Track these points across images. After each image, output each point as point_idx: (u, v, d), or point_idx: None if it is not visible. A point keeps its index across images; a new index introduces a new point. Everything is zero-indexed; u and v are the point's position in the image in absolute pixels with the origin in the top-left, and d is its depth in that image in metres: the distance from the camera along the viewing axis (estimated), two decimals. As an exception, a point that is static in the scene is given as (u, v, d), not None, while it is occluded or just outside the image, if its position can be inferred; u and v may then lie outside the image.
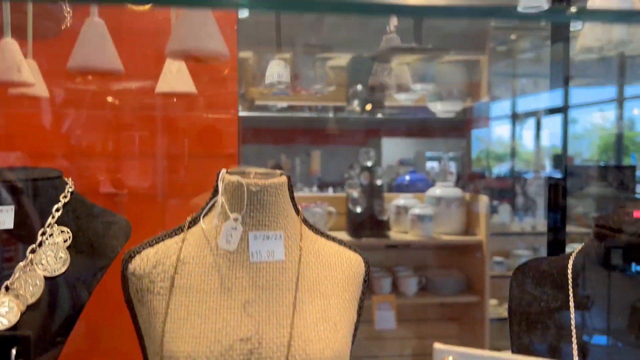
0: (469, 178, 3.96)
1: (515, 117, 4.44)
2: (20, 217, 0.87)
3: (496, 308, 2.99)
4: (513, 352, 0.87)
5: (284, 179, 0.75)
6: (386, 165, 4.10)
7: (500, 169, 4.58)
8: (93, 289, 0.86)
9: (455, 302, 2.90)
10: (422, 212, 3.04)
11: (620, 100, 3.97)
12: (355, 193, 3.14)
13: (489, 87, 3.21)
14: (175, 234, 0.75)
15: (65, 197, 0.91)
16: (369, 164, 3.21)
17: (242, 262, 0.71)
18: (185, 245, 0.72)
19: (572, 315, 0.77)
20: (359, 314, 0.76)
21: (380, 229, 3.05)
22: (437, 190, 3.12)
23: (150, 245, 0.74)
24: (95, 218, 0.92)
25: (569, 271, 0.80)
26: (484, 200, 3.14)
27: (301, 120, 3.48)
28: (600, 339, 0.78)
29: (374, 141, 3.76)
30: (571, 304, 0.78)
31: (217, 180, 0.73)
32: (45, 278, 0.84)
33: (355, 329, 0.76)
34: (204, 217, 0.75)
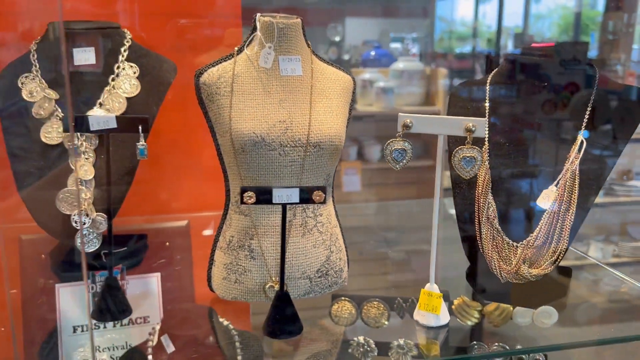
0: (431, 57, 4.34)
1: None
2: (98, 55, 1.25)
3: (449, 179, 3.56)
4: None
5: (299, 20, 1.16)
6: (350, 46, 4.39)
7: (462, 49, 4.91)
8: (159, 106, 1.28)
9: (413, 166, 3.41)
10: (386, 85, 3.48)
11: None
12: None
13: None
14: (228, 59, 1.16)
15: (127, 42, 1.30)
16: (337, 39, 3.57)
17: (275, 75, 1.14)
18: (236, 65, 1.14)
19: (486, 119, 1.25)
20: (350, 113, 1.24)
21: (348, 101, 3.46)
22: (400, 64, 3.54)
23: (212, 66, 1.15)
24: (151, 58, 1.32)
25: (487, 87, 1.27)
26: (443, 72, 3.59)
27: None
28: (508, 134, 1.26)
29: (337, 21, 4.03)
30: (487, 110, 1.26)
31: (254, 21, 1.13)
32: (126, 98, 1.24)
33: (348, 122, 1.23)
34: (247, 47, 1.16)
